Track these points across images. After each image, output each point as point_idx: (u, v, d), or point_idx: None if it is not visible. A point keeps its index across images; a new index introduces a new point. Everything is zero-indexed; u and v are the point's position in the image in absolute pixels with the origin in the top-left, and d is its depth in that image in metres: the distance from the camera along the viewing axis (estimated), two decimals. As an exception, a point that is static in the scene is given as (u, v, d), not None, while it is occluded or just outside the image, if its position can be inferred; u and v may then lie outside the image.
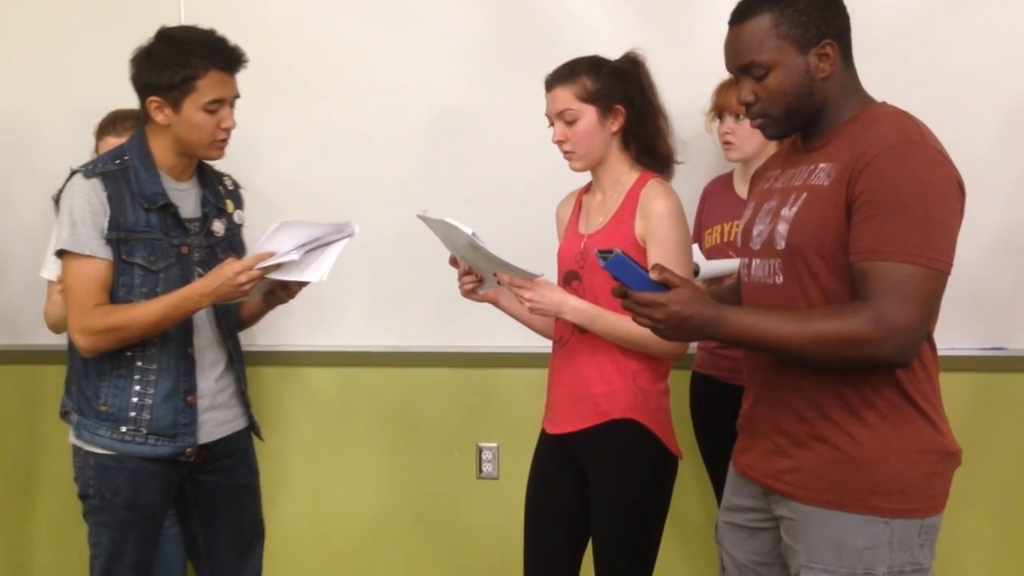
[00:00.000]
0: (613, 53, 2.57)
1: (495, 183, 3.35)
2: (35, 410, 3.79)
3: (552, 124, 2.54)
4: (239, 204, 2.67)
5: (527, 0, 3.39)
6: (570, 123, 2.48)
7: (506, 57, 3.36)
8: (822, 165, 1.92)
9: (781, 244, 1.94)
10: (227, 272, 2.34)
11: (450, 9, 3.42)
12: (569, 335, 2.54)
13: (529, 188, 3.22)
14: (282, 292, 2.55)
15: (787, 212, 1.94)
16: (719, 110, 2.99)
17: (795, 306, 1.92)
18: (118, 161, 2.47)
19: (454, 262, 2.57)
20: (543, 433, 2.66)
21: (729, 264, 2.85)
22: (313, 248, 2.36)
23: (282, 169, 3.42)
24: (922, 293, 1.80)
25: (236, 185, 2.70)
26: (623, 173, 2.53)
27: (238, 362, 2.63)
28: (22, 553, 3.88)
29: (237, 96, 2.49)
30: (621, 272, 1.88)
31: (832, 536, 1.90)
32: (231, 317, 2.61)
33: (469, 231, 2.33)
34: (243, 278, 2.33)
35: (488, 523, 3.58)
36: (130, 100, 3.30)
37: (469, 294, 2.59)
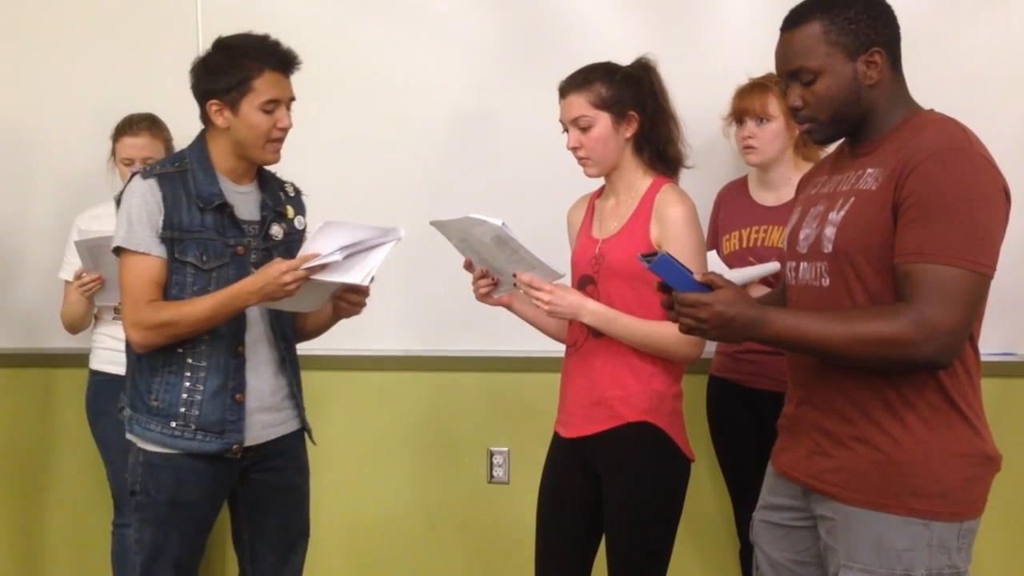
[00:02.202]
0: (623, 57, 2.59)
1: (509, 186, 3.36)
2: (50, 412, 3.80)
3: (566, 131, 2.55)
4: (300, 210, 2.69)
5: (538, 4, 3.41)
6: (584, 129, 2.50)
7: (518, 61, 3.38)
8: (869, 170, 1.95)
9: (828, 247, 1.96)
10: (273, 272, 2.36)
11: (462, 13, 3.44)
12: (584, 339, 2.55)
13: (542, 191, 3.23)
14: (346, 304, 2.55)
15: (834, 216, 1.96)
16: (739, 114, 2.99)
17: (841, 308, 1.94)
18: (177, 164, 2.52)
19: (469, 266, 2.58)
20: (556, 436, 2.66)
21: (752, 271, 2.86)
22: (357, 251, 2.37)
23: (296, 172, 3.41)
24: (964, 296, 1.82)
25: (298, 192, 2.72)
26: (637, 178, 2.54)
27: (291, 364, 2.64)
28: (36, 553, 3.87)
29: (292, 98, 2.54)
30: (666, 273, 1.90)
31: (872, 536, 1.92)
32: (285, 318, 2.62)
33: (499, 222, 2.34)
34: (288, 278, 2.35)
35: (499, 528, 3.59)
36: (144, 104, 3.37)
37: (484, 298, 2.59)
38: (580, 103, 2.49)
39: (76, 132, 3.54)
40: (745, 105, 2.98)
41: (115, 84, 3.52)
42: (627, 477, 2.49)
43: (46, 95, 3.61)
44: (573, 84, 2.52)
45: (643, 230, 2.47)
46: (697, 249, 2.44)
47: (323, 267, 2.35)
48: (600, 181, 2.64)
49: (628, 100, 2.49)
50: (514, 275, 2.45)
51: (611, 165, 2.54)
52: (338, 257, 2.33)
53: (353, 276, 2.38)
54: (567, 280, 2.58)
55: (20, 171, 3.64)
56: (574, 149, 2.53)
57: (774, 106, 2.92)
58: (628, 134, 2.51)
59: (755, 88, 2.96)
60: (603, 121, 2.48)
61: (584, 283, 2.57)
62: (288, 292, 2.38)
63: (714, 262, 2.85)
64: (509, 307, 2.63)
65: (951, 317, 1.81)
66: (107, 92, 3.49)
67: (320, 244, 2.35)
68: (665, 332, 2.42)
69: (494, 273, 2.54)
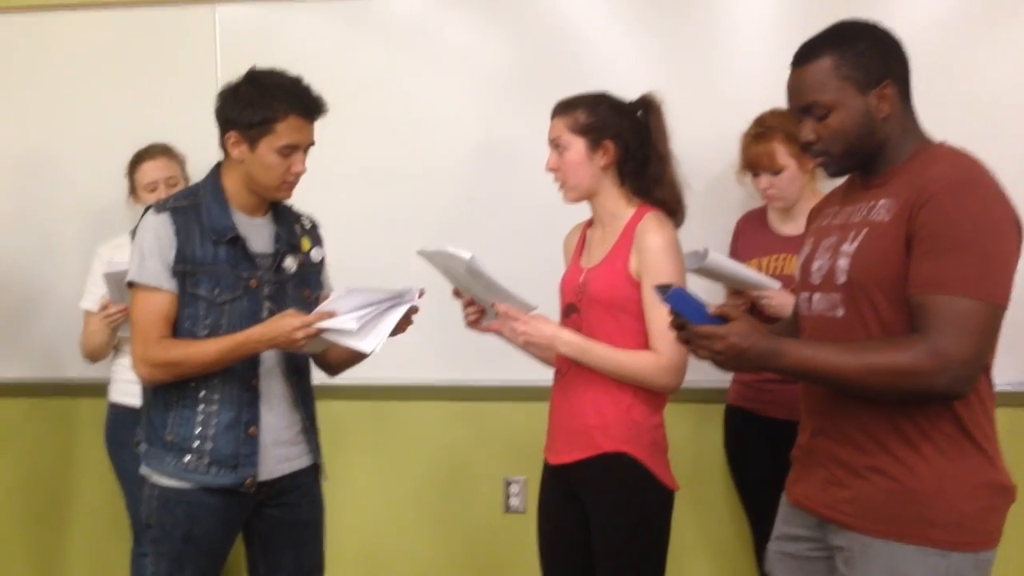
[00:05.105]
0: (637, 86, 2.60)
1: (526, 217, 3.39)
2: (70, 441, 3.83)
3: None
4: (317, 242, 2.70)
5: (554, 36, 3.45)
6: (562, 152, 2.54)
7: (534, 92, 3.36)
8: (882, 201, 1.96)
9: (842, 278, 1.98)
10: (286, 325, 2.38)
11: (478, 45, 3.49)
12: (567, 367, 2.56)
13: (559, 222, 3.22)
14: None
15: (848, 247, 1.98)
16: (751, 167, 3.03)
17: (855, 339, 1.95)
18: (190, 197, 2.53)
19: (457, 294, 2.59)
20: (545, 462, 2.68)
21: (756, 276, 2.87)
22: (373, 315, 2.39)
23: (311, 204, 3.45)
24: (978, 326, 1.83)
25: (314, 224, 2.73)
26: (620, 208, 2.56)
27: (306, 398, 2.64)
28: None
29: (312, 144, 2.54)
30: (680, 305, 1.91)
31: (890, 567, 1.92)
32: (302, 355, 2.62)
33: (467, 256, 2.35)
34: (300, 334, 2.37)
35: (515, 557, 3.59)
36: (164, 137, 3.42)
37: (473, 325, 2.61)
38: (560, 126, 2.54)
39: (97, 165, 3.58)
40: (753, 159, 3.01)
41: (136, 118, 3.57)
42: (606, 507, 2.50)
43: (68, 129, 3.67)
44: (559, 107, 2.57)
45: (623, 260, 2.49)
46: (675, 278, 2.42)
47: (335, 329, 2.37)
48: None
49: (607, 130, 2.51)
50: (492, 304, 2.48)
51: (585, 191, 2.56)
52: (353, 326, 2.35)
53: (365, 344, 2.39)
54: (553, 309, 2.60)
55: (44, 204, 3.70)
56: (551, 170, 2.57)
57: (782, 155, 2.95)
58: (603, 163, 2.52)
59: (759, 139, 2.99)
60: (577, 146, 2.52)
61: (569, 311, 2.59)
62: (298, 347, 2.41)
63: (720, 258, 2.86)
64: (499, 334, 2.62)
65: (966, 348, 1.82)
66: (128, 126, 3.54)
67: (339, 304, 2.38)
68: (641, 363, 2.44)
69: (478, 301, 2.56)
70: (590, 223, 2.68)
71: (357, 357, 2.64)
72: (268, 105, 2.43)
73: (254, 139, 2.45)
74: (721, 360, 1.90)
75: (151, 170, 3.33)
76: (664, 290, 1.92)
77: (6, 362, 3.74)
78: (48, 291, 3.68)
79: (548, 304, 2.57)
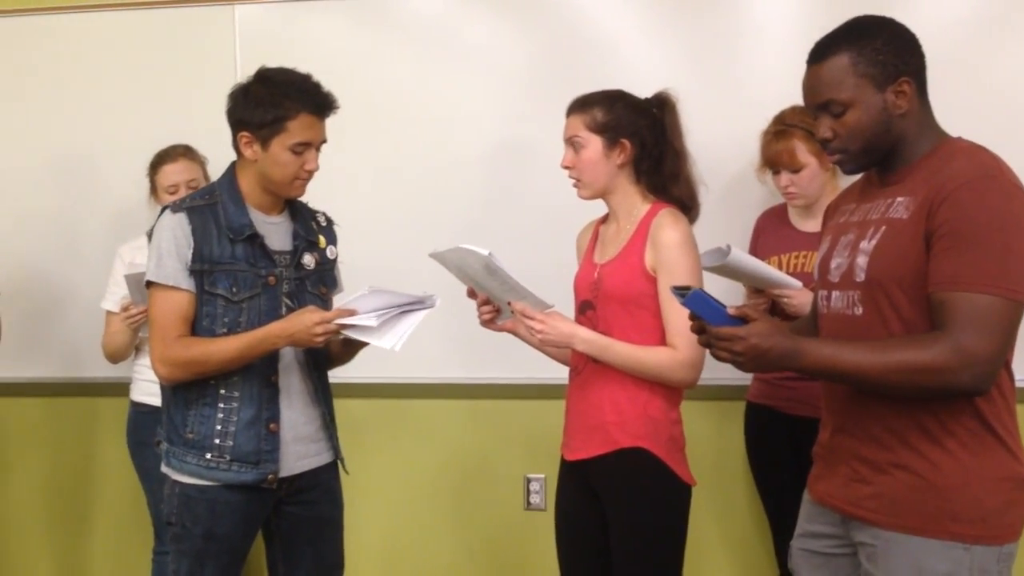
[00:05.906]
0: (657, 86, 2.60)
1: (544, 215, 3.39)
2: (92, 441, 3.86)
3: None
4: (332, 240, 2.72)
5: (573, 35, 3.46)
6: (578, 150, 2.53)
7: (553, 91, 3.34)
8: (900, 199, 1.96)
9: (861, 276, 1.97)
10: (306, 320, 2.40)
11: (497, 44, 3.49)
12: (584, 364, 2.57)
13: (578, 220, 3.24)
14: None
15: (866, 245, 1.98)
16: (771, 165, 3.02)
17: (875, 337, 1.95)
18: (207, 197, 2.55)
19: (472, 294, 2.60)
20: (562, 459, 2.68)
21: (779, 275, 2.83)
22: (392, 315, 2.41)
23: (331, 202, 3.46)
24: (1000, 323, 1.83)
25: (329, 221, 2.75)
26: (635, 204, 2.56)
27: (324, 394, 2.65)
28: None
29: (324, 141, 2.55)
30: (699, 308, 1.91)
31: (914, 561, 1.92)
32: (320, 350, 2.63)
33: (485, 252, 2.36)
34: (319, 329, 2.39)
35: (536, 554, 3.59)
36: (185, 139, 3.42)
37: (488, 324, 2.61)
38: (576, 124, 2.54)
39: (119, 165, 3.60)
40: (773, 157, 2.99)
41: (156, 118, 3.60)
42: (624, 503, 2.51)
43: (89, 130, 3.69)
44: (576, 105, 2.57)
45: (638, 256, 2.49)
46: (691, 273, 2.43)
47: (355, 326, 2.39)
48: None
49: (623, 128, 2.51)
50: (509, 303, 2.48)
51: (600, 189, 2.56)
52: (374, 323, 2.37)
53: (385, 341, 2.40)
54: (569, 307, 2.60)
55: (66, 205, 3.73)
56: (566, 168, 2.57)
57: (802, 152, 2.94)
58: (619, 161, 2.53)
59: (779, 137, 2.97)
60: (594, 144, 2.52)
61: (585, 308, 2.59)
62: (316, 343, 2.43)
63: (743, 256, 2.84)
64: (514, 333, 2.63)
65: (987, 344, 1.82)
66: (148, 126, 3.56)
67: (360, 303, 2.40)
68: (659, 358, 2.44)
69: (494, 300, 2.56)
70: (603, 219, 2.68)
71: (347, 357, 2.69)
72: (279, 104, 2.45)
73: (266, 138, 2.47)
74: (742, 361, 1.89)
75: (171, 173, 3.34)
76: (683, 292, 1.92)
77: (29, 362, 3.77)
78: (70, 292, 3.71)
79: (563, 303, 2.57)
